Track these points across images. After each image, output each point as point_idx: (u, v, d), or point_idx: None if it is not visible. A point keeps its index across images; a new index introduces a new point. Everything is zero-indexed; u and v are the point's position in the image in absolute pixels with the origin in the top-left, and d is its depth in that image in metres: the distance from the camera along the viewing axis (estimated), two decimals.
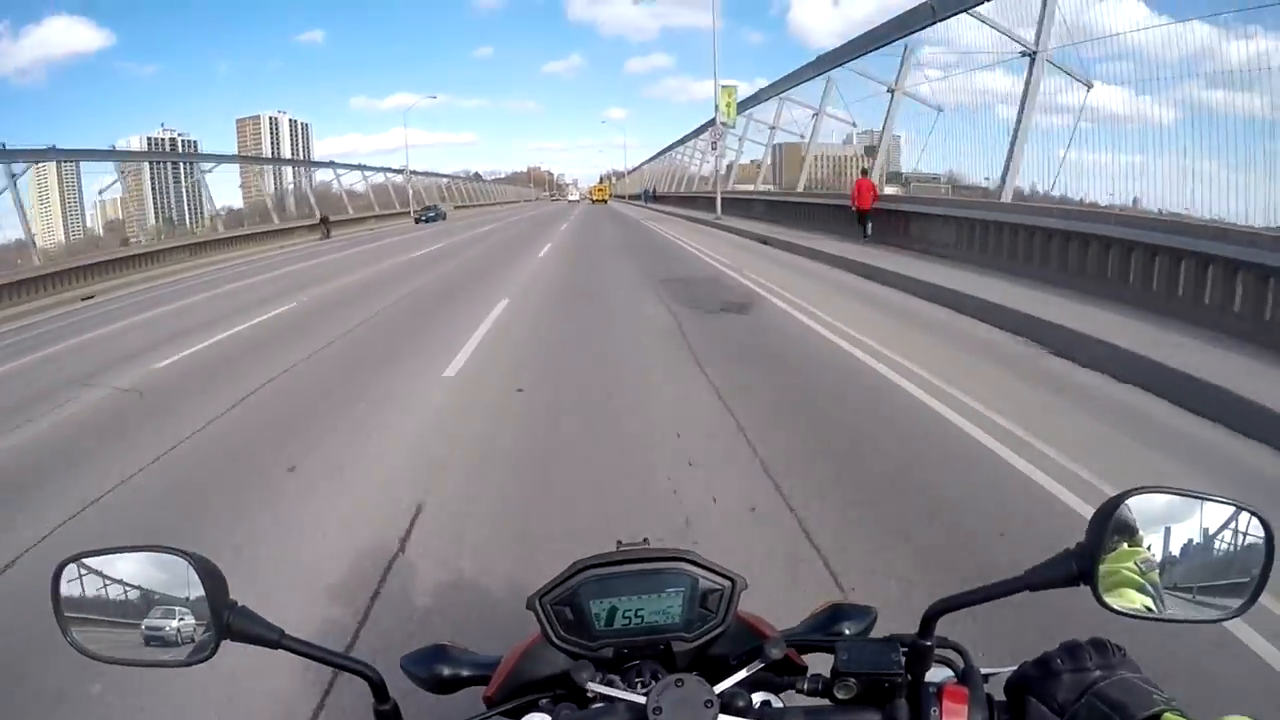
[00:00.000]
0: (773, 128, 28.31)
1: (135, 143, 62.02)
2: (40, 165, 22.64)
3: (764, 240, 17.00)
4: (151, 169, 31.07)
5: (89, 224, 29.97)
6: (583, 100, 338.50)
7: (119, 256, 19.37)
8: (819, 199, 18.23)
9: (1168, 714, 0.57)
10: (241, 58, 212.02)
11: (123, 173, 23.15)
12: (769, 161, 29.85)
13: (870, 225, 13.85)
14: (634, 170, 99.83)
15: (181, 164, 32.88)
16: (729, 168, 36.48)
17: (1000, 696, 0.70)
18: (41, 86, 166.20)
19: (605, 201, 71.00)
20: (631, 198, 71.10)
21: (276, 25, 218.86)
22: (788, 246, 15.19)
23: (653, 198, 54.39)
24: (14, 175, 18.83)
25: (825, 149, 28.60)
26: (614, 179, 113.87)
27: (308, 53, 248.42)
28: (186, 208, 32.52)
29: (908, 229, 12.48)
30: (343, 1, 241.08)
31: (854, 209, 14.22)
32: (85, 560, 0.70)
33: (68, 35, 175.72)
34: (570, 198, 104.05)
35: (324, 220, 31.31)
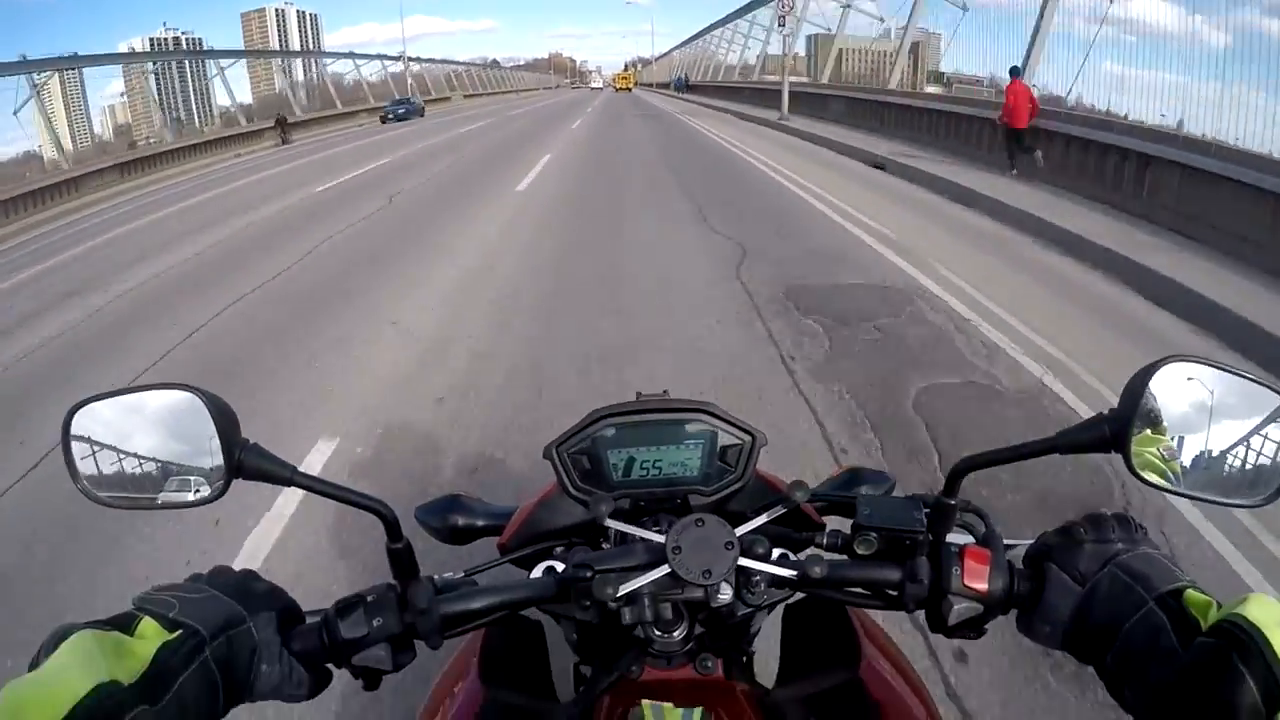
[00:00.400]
0: (846, 6, 22.42)
1: (139, 44, 57.64)
2: (40, 75, 19.35)
3: (878, 165, 11.38)
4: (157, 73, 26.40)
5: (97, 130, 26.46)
6: None
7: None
8: (933, 102, 13.12)
9: (1190, 590, 0.54)
10: None
11: (37, 88, 18.48)
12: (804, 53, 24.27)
13: (1033, 149, 9.03)
14: (661, 57, 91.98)
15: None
16: (759, 59, 31.31)
17: (1021, 565, 0.65)
18: None
19: (630, 90, 67.82)
20: (659, 86, 66.54)
21: None
22: (934, 184, 9.42)
23: (686, 87, 47.79)
24: None
25: (861, 43, 23.88)
26: (639, 66, 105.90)
27: None
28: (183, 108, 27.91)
29: (1139, 181, 7.40)
30: None
31: (1000, 124, 9.53)
32: (96, 404, 0.62)
33: None
34: (593, 85, 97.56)
35: (280, 122, 24.71)
